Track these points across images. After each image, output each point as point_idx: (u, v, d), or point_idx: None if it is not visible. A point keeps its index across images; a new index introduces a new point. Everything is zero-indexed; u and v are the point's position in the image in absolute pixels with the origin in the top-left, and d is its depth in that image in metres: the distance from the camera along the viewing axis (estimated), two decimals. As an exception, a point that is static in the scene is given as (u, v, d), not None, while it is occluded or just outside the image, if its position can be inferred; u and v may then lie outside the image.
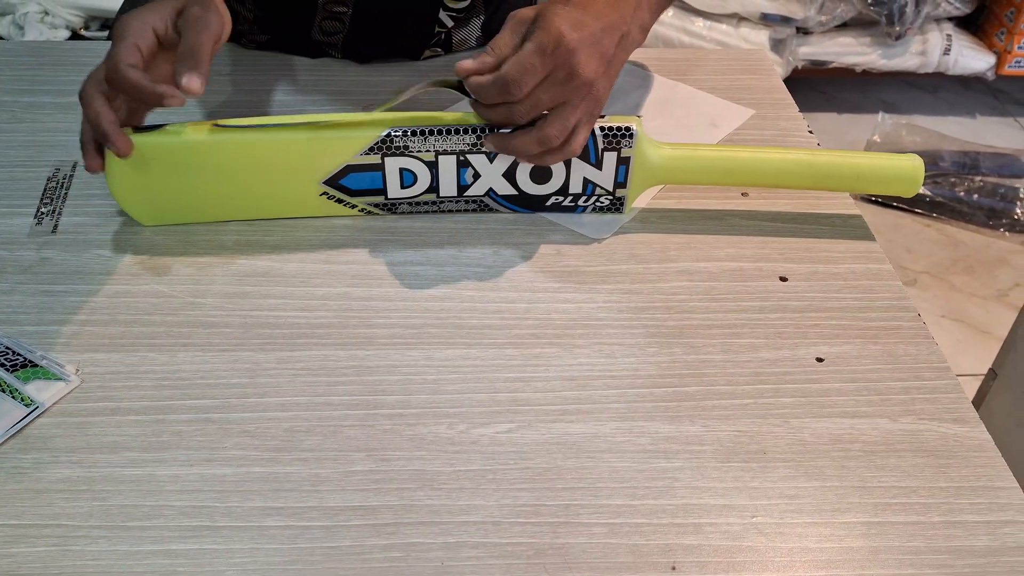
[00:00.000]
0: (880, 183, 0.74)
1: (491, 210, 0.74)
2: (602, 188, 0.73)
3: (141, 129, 0.68)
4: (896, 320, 0.67)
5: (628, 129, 0.70)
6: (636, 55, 0.94)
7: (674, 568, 0.52)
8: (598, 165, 0.71)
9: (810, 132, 0.86)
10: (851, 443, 0.59)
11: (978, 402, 1.16)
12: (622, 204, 0.74)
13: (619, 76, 0.72)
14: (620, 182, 0.72)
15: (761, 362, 0.64)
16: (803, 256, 0.72)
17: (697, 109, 0.88)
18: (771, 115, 0.88)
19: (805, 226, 0.75)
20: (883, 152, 0.84)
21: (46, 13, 1.86)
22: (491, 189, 0.73)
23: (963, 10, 2.26)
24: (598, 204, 0.74)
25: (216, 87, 0.88)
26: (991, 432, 0.60)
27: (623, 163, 0.71)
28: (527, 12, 0.65)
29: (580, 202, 0.74)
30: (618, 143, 0.70)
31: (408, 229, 0.73)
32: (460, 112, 0.70)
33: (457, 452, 0.57)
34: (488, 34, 0.95)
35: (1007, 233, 2.01)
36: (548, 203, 0.74)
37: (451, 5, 0.89)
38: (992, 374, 1.14)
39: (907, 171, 0.73)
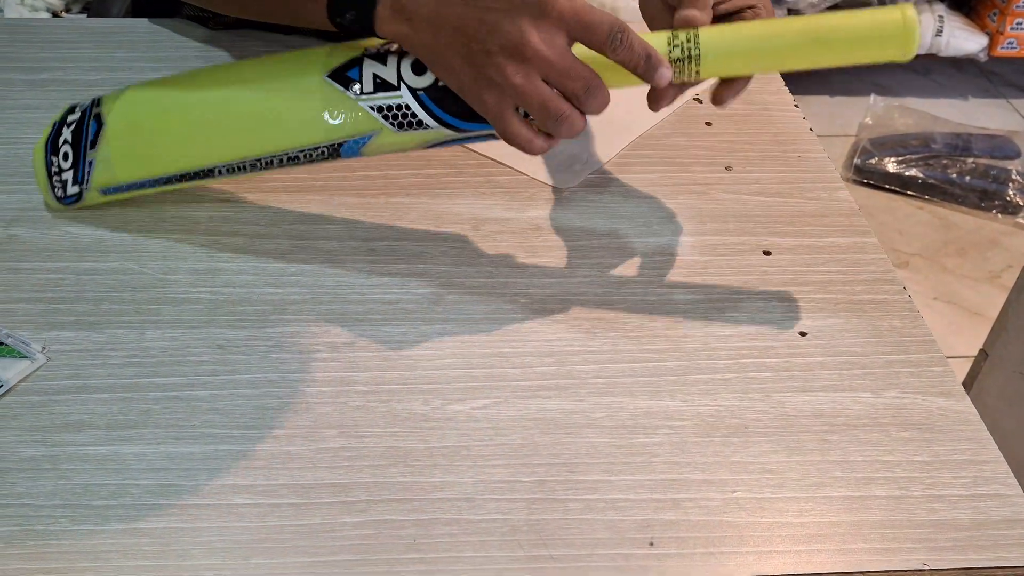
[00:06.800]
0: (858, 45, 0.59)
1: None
2: None
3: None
4: (881, 294, 0.66)
5: None
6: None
7: (652, 544, 0.51)
8: None
9: (796, 107, 0.85)
10: (833, 417, 0.58)
11: (969, 382, 1.15)
12: None
13: None
14: None
15: (743, 336, 0.62)
16: (787, 230, 0.71)
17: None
18: (755, 88, 0.86)
19: (790, 200, 0.74)
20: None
21: (27, -5, 1.84)
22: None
23: (955, -9, 2.25)
24: None
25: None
26: (982, 412, 0.59)
27: None
28: None
29: None
30: None
31: (385, 204, 0.71)
32: None
33: (431, 429, 0.56)
34: None
35: (999, 215, 2.00)
36: None
37: None
38: (983, 355, 1.13)
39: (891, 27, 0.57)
